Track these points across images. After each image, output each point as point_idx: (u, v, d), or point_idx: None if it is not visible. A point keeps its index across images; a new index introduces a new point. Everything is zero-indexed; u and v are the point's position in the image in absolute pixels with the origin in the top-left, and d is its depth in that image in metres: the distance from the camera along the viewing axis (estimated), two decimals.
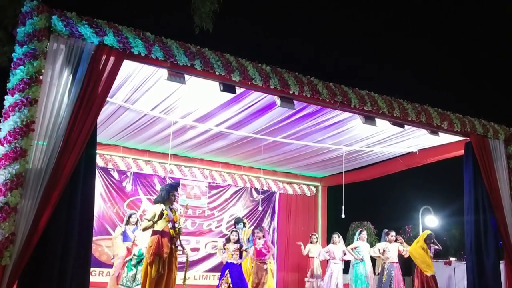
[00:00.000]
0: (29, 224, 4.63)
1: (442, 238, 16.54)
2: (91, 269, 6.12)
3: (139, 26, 5.47)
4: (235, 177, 11.58)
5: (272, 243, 12.08)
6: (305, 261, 10.68)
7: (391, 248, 9.17)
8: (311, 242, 10.44)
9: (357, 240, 9.83)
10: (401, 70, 21.08)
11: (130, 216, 8.61)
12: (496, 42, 20.76)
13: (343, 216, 9.68)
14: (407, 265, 10.04)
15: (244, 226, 9.53)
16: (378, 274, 9.41)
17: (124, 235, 8.44)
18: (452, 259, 11.72)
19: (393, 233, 9.38)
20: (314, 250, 10.24)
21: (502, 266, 7.89)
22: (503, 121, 8.36)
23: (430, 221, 14.17)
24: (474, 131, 7.89)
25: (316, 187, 12.88)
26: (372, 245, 10.30)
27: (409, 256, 9.22)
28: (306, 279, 10.33)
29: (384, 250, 9.18)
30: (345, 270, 9.93)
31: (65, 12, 5.02)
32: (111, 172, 10.31)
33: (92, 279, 6.33)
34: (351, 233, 15.30)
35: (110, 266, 10.00)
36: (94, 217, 6.34)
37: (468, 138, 8.01)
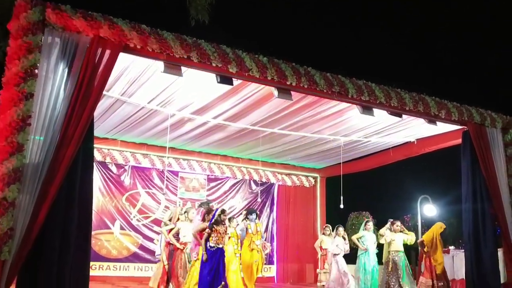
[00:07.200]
0: (28, 218, 4.62)
1: None
2: (91, 263, 6.13)
3: (135, 18, 5.43)
4: (234, 169, 11.59)
5: (271, 234, 12.15)
6: (314, 252, 10.68)
7: (397, 238, 9.21)
8: (324, 234, 10.43)
9: (363, 230, 9.83)
10: (399, 59, 21.06)
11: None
12: (493, 30, 20.75)
13: (341, 206, 9.69)
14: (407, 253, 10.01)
15: (257, 217, 8.87)
16: (384, 263, 9.40)
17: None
18: (450, 247, 11.74)
19: (398, 223, 9.39)
20: (328, 242, 10.13)
21: (500, 254, 7.93)
22: (500, 109, 8.37)
23: (429, 210, 14.18)
24: (472, 119, 7.89)
25: (315, 178, 12.90)
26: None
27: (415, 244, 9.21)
28: (318, 271, 10.31)
29: (390, 241, 9.19)
30: (353, 261, 9.89)
31: (59, 5, 4.98)
32: (109, 166, 10.31)
33: (92, 273, 6.36)
34: (350, 224, 15.31)
35: (110, 260, 10.03)
36: (93, 211, 6.34)
37: (465, 127, 8.01)
